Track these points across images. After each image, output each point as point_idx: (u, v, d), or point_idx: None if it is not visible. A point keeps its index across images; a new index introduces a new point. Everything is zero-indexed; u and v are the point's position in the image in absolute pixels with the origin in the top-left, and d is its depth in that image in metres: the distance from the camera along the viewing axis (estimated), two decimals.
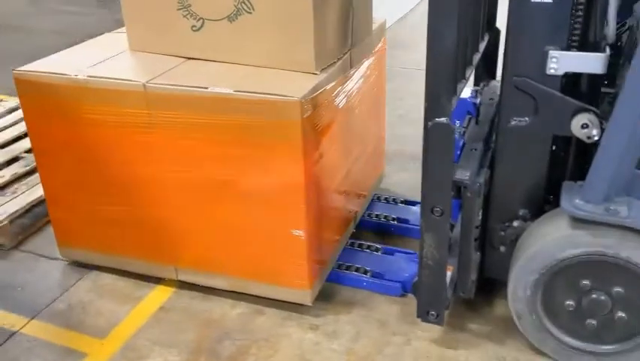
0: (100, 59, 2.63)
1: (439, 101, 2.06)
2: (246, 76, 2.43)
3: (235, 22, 2.45)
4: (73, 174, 2.70)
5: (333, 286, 2.74)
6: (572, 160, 2.31)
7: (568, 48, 2.06)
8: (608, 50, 2.03)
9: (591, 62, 2.04)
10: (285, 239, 2.48)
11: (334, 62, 2.53)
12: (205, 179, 2.49)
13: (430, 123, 2.07)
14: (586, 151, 2.22)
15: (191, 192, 2.53)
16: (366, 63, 2.85)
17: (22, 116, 3.97)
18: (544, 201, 2.36)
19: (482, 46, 2.59)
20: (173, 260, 2.73)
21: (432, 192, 2.18)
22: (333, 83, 2.49)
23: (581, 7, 2.02)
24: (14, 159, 3.62)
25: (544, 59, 2.07)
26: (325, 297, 2.68)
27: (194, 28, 2.53)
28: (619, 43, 2.14)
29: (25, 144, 3.75)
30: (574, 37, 2.06)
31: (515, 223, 2.37)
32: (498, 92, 2.58)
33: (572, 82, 2.15)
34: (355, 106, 2.78)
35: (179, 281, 2.77)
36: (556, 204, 2.22)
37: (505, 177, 2.33)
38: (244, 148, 2.37)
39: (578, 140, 2.17)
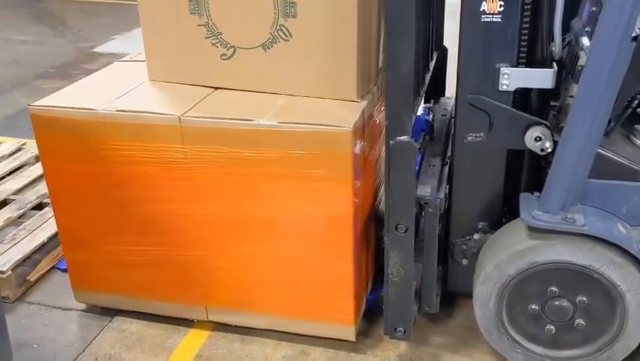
0: (122, 92, 2.47)
1: (399, 119, 2.06)
2: (285, 106, 2.33)
3: (270, 50, 2.35)
4: (93, 214, 2.52)
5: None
6: (526, 172, 2.35)
7: (517, 65, 2.11)
8: (555, 65, 2.10)
9: (541, 78, 2.12)
10: (331, 274, 2.38)
11: (371, 89, 2.46)
12: (244, 216, 2.36)
13: (391, 142, 2.08)
14: (538, 163, 2.29)
15: (228, 229, 2.40)
16: None
17: (2, 154, 3.79)
18: (502, 213, 2.40)
19: (432, 64, 2.60)
20: (204, 300, 2.58)
21: (396, 209, 2.17)
22: (371, 110, 2.42)
23: (529, 24, 2.09)
24: (2, 203, 3.38)
25: (496, 75, 2.11)
26: (364, 331, 2.60)
27: (223, 57, 2.42)
28: (561, 58, 2.22)
29: (11, 185, 3.52)
30: (522, 54, 2.11)
31: (476, 236, 2.40)
32: (449, 108, 2.61)
33: (522, 97, 2.21)
34: (380, 131, 2.72)
35: (211, 323, 2.62)
36: (512, 215, 2.27)
37: (463, 192, 2.37)
38: (288, 181, 2.26)
39: (531, 152, 2.21)
